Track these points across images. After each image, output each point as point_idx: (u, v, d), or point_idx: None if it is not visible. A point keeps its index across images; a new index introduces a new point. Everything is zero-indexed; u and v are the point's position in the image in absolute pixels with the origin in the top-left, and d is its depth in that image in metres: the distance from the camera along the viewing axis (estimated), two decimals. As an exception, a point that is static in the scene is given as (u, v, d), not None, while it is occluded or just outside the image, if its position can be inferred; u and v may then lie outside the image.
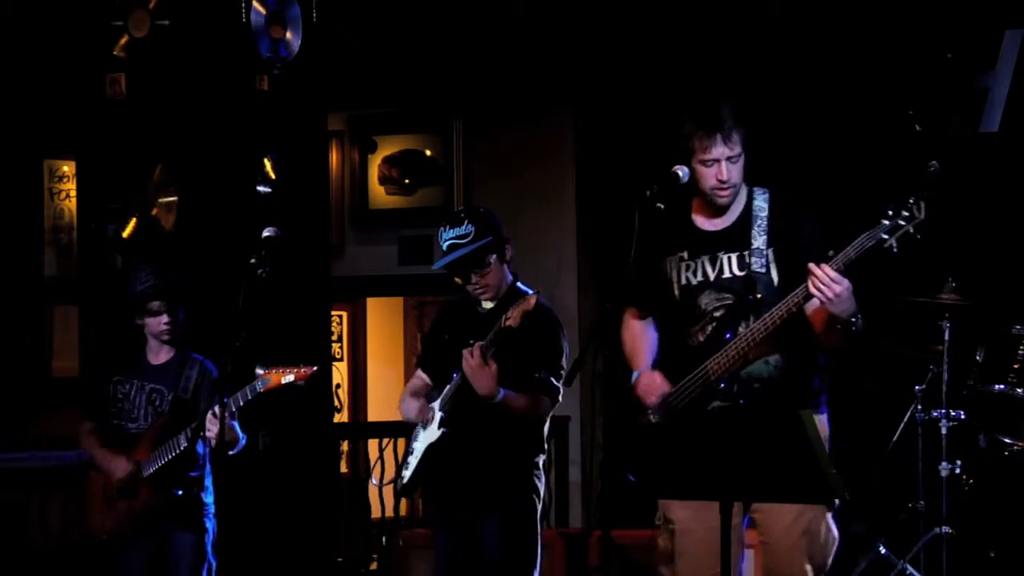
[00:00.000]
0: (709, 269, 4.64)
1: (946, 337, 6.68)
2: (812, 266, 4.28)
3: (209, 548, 5.98)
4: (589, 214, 9.09)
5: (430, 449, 5.24)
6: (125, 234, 8.06)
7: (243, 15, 7.51)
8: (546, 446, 5.31)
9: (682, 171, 4.60)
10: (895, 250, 4.22)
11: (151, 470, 5.92)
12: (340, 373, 11.06)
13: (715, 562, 4.33)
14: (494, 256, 5.19)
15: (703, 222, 4.69)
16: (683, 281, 4.67)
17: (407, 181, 9.94)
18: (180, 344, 6.10)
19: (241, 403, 5.72)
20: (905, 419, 6.93)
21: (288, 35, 7.62)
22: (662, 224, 4.60)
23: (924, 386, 6.81)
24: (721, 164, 4.52)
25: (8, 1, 7.92)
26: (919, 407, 6.82)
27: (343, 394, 11.10)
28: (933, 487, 6.68)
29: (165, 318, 6.02)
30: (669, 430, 4.39)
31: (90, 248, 8.31)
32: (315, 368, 5.73)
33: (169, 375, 6.06)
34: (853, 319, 4.37)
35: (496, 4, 8.69)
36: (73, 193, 8.68)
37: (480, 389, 4.99)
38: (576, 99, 9.11)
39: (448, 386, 5.21)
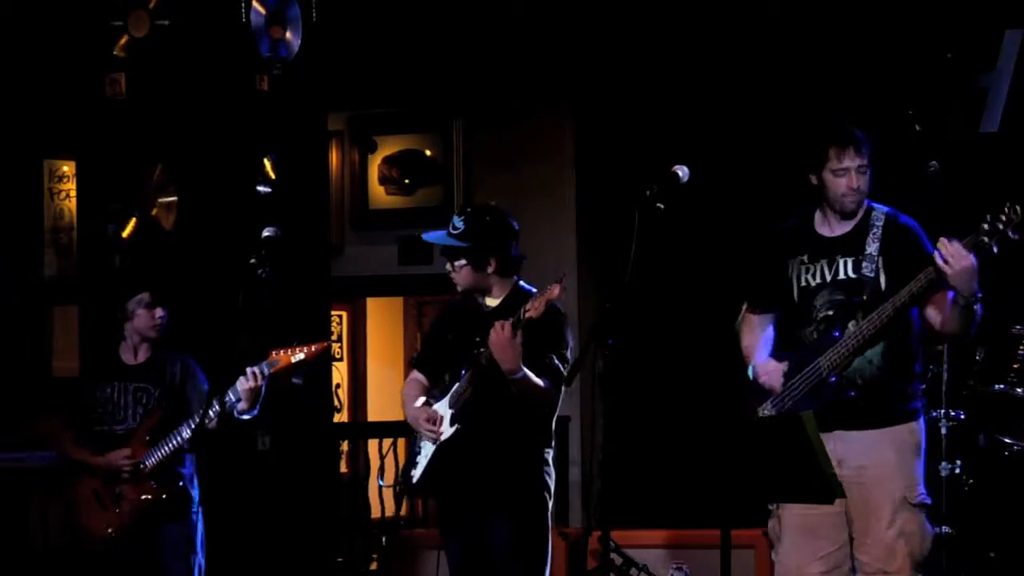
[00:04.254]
0: (826, 271, 4.94)
1: (946, 337, 6.67)
2: (943, 240, 4.60)
3: (198, 542, 5.97)
4: (589, 213, 9.09)
5: (442, 447, 5.23)
6: (125, 234, 8.06)
7: (243, 15, 7.51)
8: (553, 441, 5.32)
9: (682, 171, 4.67)
10: (995, 251, 4.59)
11: (152, 462, 5.91)
12: (340, 373, 11.05)
13: (819, 545, 4.76)
14: (464, 261, 5.28)
15: (824, 229, 5.00)
16: (802, 283, 4.97)
17: (407, 181, 9.94)
18: (157, 344, 6.10)
19: (269, 372, 5.76)
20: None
21: (288, 35, 7.62)
22: (785, 228, 5.06)
23: (924, 386, 6.80)
24: (852, 173, 4.86)
25: (8, 1, 7.92)
26: (919, 407, 6.81)
27: (343, 394, 11.10)
28: (933, 487, 6.66)
29: (160, 311, 6.02)
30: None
31: (90, 248, 8.31)
32: (325, 344, 5.85)
33: (151, 372, 6.07)
34: (973, 299, 4.67)
35: (496, 3, 8.69)
36: (73, 193, 8.66)
37: (505, 363, 5.02)
38: (576, 98, 9.11)
39: (457, 383, 5.22)
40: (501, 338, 5.01)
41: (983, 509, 6.81)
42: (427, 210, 9.76)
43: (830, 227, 4.97)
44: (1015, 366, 6.78)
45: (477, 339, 5.16)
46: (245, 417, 5.87)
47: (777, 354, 4.97)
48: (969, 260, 4.57)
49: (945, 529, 6.53)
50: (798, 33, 8.01)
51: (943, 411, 6.65)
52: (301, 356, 5.78)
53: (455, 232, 5.28)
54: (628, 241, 4.58)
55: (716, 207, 8.04)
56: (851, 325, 4.79)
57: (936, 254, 4.61)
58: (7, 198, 8.43)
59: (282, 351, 5.77)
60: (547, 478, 5.24)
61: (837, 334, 4.80)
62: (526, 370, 5.06)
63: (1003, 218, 4.53)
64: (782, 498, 4.65)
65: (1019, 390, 6.73)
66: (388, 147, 10.03)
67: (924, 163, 7.27)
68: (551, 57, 8.88)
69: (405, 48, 8.91)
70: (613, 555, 6.50)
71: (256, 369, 5.77)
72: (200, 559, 5.98)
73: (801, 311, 4.94)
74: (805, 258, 4.97)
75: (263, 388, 5.80)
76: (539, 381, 5.12)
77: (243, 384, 5.75)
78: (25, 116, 8.20)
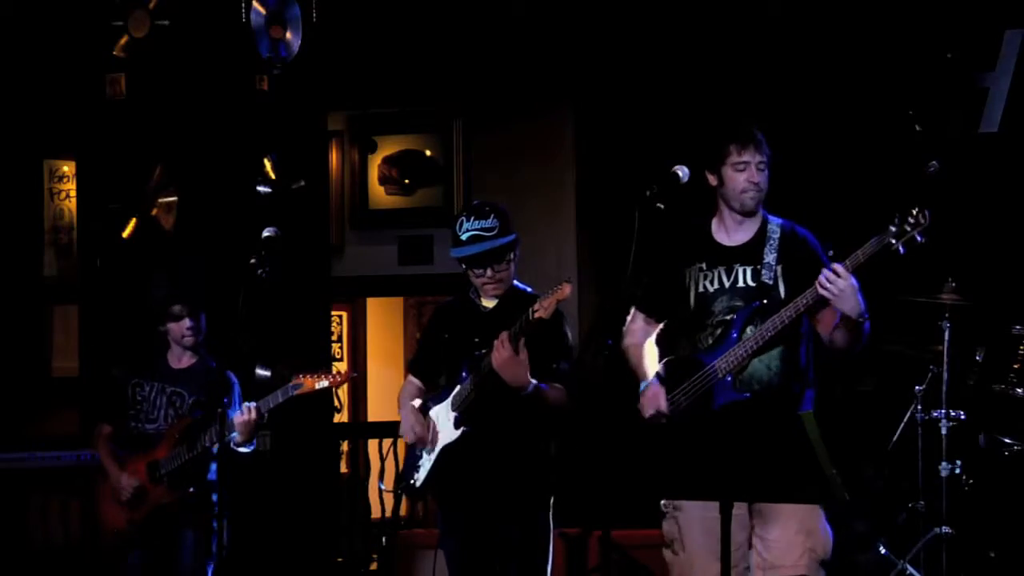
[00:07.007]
0: (725, 278, 4.98)
1: (946, 337, 6.68)
2: (824, 271, 4.67)
3: (215, 548, 5.99)
4: (589, 213, 9.08)
5: (446, 450, 5.20)
6: (125, 234, 8.06)
7: (243, 15, 7.52)
8: (556, 441, 5.29)
9: (682, 171, 4.70)
10: (901, 252, 4.61)
11: (169, 468, 5.95)
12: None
13: (719, 545, 4.53)
14: (512, 254, 5.22)
15: (722, 237, 5.04)
16: (700, 288, 4.99)
17: (407, 181, 9.94)
18: (202, 351, 6.14)
19: (271, 406, 5.77)
20: (905, 419, 6.93)
21: (288, 35, 7.63)
22: (682, 236, 5.07)
23: (924, 386, 6.81)
24: (752, 168, 4.91)
25: (8, 1, 7.93)
26: (919, 407, 6.81)
27: (343, 394, 11.08)
28: (933, 487, 6.68)
29: (188, 322, 6.05)
30: (672, 430, 4.50)
31: (90, 248, 8.32)
32: (351, 374, 5.88)
33: (191, 379, 6.12)
34: (861, 319, 4.71)
35: (496, 3, 8.68)
36: (73, 193, 8.68)
37: (512, 380, 4.95)
38: (576, 98, 9.10)
39: (459, 386, 5.18)
40: (504, 356, 4.91)
41: (983, 509, 6.81)
42: (427, 210, 9.75)
43: (728, 235, 5.01)
44: (1015, 366, 6.78)
45: (476, 340, 5.13)
46: (240, 451, 5.93)
47: (670, 361, 5.00)
48: (846, 282, 4.63)
49: (945, 529, 6.53)
50: (798, 33, 8.00)
51: (943, 411, 6.65)
52: (325, 384, 5.77)
53: (494, 231, 5.15)
54: (628, 241, 4.59)
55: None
56: (749, 329, 4.86)
57: (817, 282, 4.67)
58: (7, 198, 8.44)
59: (308, 376, 5.75)
60: (550, 478, 5.23)
61: (735, 335, 4.86)
62: (535, 382, 5.00)
63: (911, 221, 4.59)
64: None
65: (1019, 390, 6.73)
66: (388, 147, 10.02)
67: (924, 163, 7.27)
68: (551, 57, 8.87)
69: (405, 48, 8.90)
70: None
71: (249, 405, 5.81)
72: (210, 567, 5.99)
73: (697, 316, 4.97)
74: (703, 265, 5.00)
75: (251, 428, 5.85)
76: (550, 391, 5.08)
77: (240, 416, 5.78)
78: (25, 116, 8.21)
